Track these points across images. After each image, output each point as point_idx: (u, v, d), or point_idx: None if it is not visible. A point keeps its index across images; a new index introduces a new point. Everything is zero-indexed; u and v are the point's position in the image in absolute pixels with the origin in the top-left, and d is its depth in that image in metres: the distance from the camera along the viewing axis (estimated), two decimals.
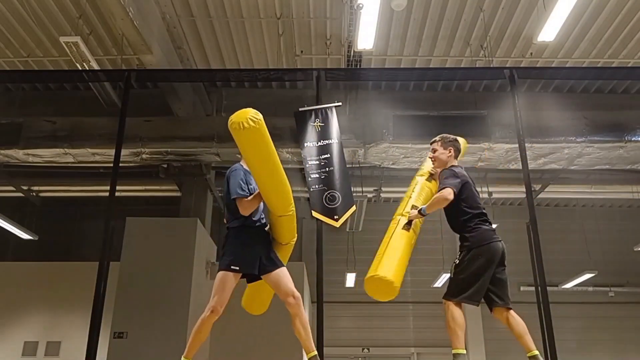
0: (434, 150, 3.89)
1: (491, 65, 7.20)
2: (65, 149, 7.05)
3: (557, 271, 11.31)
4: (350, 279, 11.79)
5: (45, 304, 9.84)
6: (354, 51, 6.86)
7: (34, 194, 9.97)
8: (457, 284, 3.51)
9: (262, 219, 3.52)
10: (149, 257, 7.30)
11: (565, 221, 12.03)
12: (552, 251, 10.59)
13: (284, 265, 3.46)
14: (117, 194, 4.63)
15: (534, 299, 4.22)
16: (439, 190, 3.62)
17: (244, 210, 3.32)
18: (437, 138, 3.92)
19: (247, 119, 2.91)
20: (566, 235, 11.82)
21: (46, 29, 6.82)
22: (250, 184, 3.41)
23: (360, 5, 5.38)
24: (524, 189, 4.64)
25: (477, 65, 7.37)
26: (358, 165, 7.67)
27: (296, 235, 3.66)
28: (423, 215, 3.71)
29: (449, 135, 3.92)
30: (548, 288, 4.22)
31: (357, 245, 10.93)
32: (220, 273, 3.33)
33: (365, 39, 5.99)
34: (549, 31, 6.05)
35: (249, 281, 3.59)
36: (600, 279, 11.66)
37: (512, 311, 3.49)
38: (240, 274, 3.38)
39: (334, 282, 11.36)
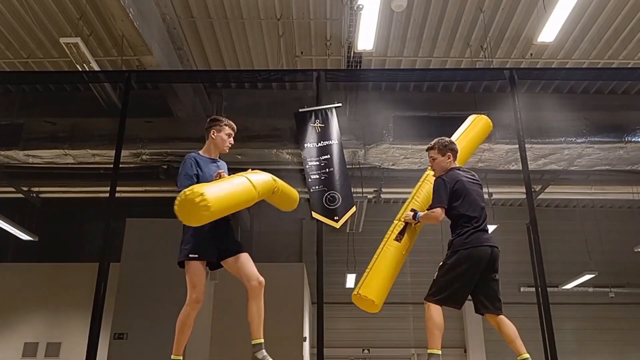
0: (433, 159, 3.83)
1: (491, 66, 7.19)
2: (66, 150, 7.06)
3: (557, 272, 11.30)
4: (351, 280, 11.77)
5: (45, 305, 9.85)
6: (354, 52, 6.86)
7: (34, 195, 9.93)
8: (438, 285, 3.54)
9: None
10: (149, 258, 7.31)
11: (566, 222, 12.00)
12: (552, 252, 10.59)
13: (245, 251, 3.50)
14: (117, 195, 4.63)
15: (534, 300, 4.23)
16: (430, 209, 3.66)
17: None
18: (432, 144, 3.83)
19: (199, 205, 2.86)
20: (566, 236, 11.80)
21: (46, 30, 6.82)
22: (201, 170, 3.44)
23: (361, 6, 5.38)
24: (524, 190, 4.65)
25: (477, 66, 7.37)
26: (358, 166, 7.67)
27: (274, 183, 3.57)
28: (417, 222, 3.77)
29: (444, 139, 3.86)
30: (548, 289, 4.23)
31: (357, 246, 10.90)
32: (187, 265, 3.38)
33: (366, 39, 5.99)
34: (549, 32, 6.06)
35: (211, 269, 3.59)
36: (600, 279, 11.65)
37: (502, 316, 3.49)
38: (205, 262, 3.42)
39: (334, 283, 11.32)
